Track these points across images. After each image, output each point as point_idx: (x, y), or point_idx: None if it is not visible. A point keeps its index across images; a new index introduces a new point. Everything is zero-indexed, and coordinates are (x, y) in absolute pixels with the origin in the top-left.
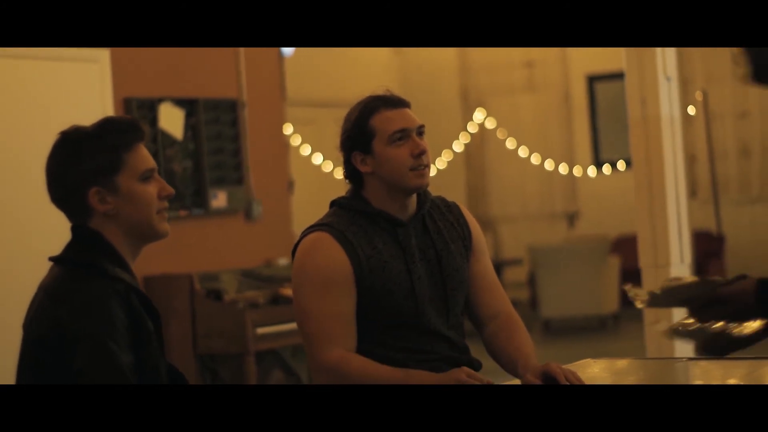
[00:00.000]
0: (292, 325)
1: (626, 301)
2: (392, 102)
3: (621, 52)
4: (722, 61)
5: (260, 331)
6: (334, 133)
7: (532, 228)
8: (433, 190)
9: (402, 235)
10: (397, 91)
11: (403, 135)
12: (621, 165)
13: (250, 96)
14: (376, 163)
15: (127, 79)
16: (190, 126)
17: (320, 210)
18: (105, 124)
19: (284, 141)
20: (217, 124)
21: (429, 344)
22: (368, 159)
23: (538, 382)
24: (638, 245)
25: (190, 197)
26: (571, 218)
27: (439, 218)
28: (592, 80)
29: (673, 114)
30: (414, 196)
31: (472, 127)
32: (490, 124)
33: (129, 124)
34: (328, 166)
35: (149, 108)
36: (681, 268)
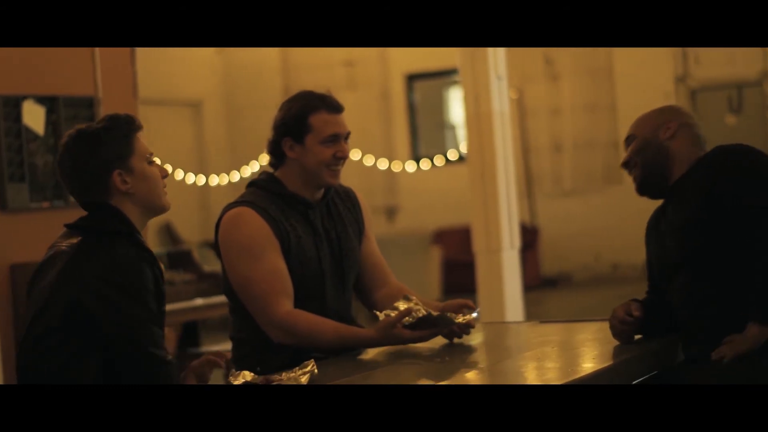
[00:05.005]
0: None
1: (448, 290)
2: (333, 106)
3: (441, 51)
4: (536, 60)
5: None
6: (159, 130)
7: None
8: None
9: (312, 216)
10: (221, 91)
11: (335, 138)
12: (439, 160)
13: (105, 93)
14: (303, 153)
15: None
16: (50, 122)
17: None
18: (112, 119)
19: None
20: (76, 120)
21: (325, 317)
22: (297, 147)
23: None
24: (472, 233)
25: (51, 190)
26: (391, 212)
27: (339, 203)
28: (411, 79)
29: (503, 110)
30: None
31: None
32: None
33: (130, 117)
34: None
35: (13, 105)
36: (511, 253)
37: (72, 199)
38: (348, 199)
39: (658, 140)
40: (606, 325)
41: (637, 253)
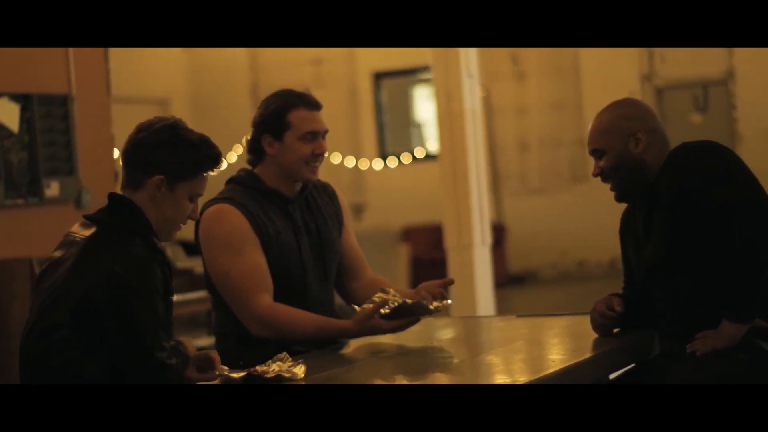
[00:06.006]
0: None
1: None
2: (311, 104)
3: (408, 50)
4: (503, 59)
5: None
6: (126, 128)
7: None
8: (225, 184)
9: (291, 210)
10: (189, 89)
11: (314, 136)
12: (405, 158)
13: (79, 91)
14: (282, 150)
15: None
16: (25, 120)
17: None
18: (206, 144)
19: (110, 133)
20: (50, 118)
21: (309, 309)
22: (276, 144)
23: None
24: (444, 229)
25: (25, 187)
26: (358, 209)
27: (318, 196)
28: (378, 77)
29: (475, 108)
30: None
31: None
32: None
33: (218, 157)
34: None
35: None
36: (482, 249)
37: (48, 196)
38: (326, 193)
39: (632, 155)
40: (582, 318)
41: (603, 251)
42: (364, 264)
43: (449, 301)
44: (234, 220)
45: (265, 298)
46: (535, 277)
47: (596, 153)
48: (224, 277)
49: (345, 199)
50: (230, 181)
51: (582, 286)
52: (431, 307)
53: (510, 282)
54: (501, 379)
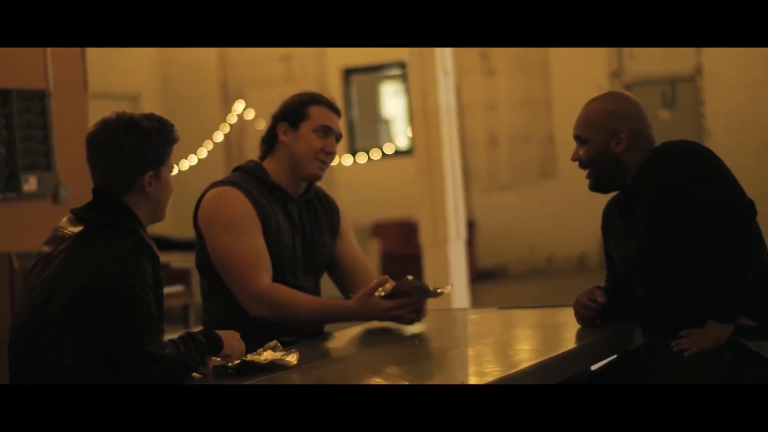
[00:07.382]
0: None
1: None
2: (333, 106)
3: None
4: (472, 56)
5: None
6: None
7: None
8: (195, 179)
9: (291, 209)
10: (159, 85)
11: (327, 132)
12: (375, 154)
13: (56, 87)
14: (295, 139)
15: None
16: (3, 115)
17: None
18: (161, 122)
19: (87, 129)
20: (28, 113)
21: None
22: (290, 132)
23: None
24: (419, 225)
25: (3, 182)
26: None
27: (317, 203)
28: (348, 73)
29: (450, 105)
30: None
31: (231, 118)
32: (250, 114)
33: (173, 127)
34: None
35: None
36: (457, 245)
37: (26, 190)
38: (327, 202)
39: (611, 152)
40: (562, 310)
41: (572, 246)
42: (363, 268)
43: (451, 286)
44: (238, 202)
45: (267, 278)
46: (504, 273)
47: (578, 140)
48: (226, 256)
49: (347, 213)
50: (237, 169)
51: (551, 281)
52: (431, 288)
53: (479, 277)
54: (486, 370)
